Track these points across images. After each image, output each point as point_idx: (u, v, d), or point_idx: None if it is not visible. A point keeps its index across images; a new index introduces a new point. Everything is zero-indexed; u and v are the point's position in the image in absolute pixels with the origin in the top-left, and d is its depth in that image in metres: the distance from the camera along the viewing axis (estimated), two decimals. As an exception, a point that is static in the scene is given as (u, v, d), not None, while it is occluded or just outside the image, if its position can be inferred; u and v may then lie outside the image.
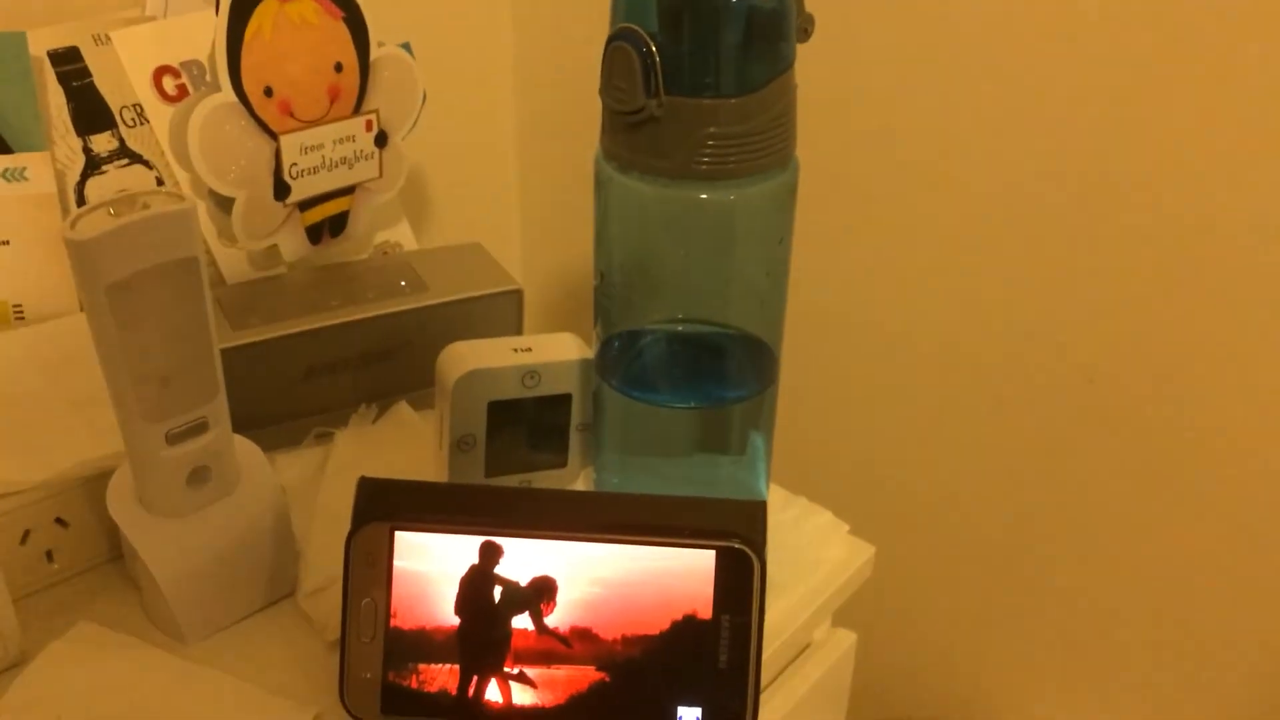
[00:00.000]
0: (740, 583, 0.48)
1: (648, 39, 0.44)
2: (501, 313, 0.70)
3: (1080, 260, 0.71)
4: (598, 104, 0.48)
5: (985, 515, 0.81)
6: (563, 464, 0.63)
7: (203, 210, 0.67)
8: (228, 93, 0.62)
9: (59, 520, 0.56)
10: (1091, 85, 0.66)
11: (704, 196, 0.47)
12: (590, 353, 0.58)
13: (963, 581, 0.85)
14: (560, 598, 0.48)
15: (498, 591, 0.48)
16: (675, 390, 0.54)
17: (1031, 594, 0.81)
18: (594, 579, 0.48)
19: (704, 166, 0.46)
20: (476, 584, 0.48)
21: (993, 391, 0.78)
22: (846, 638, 0.64)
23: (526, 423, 0.61)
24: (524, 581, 0.48)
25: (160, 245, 0.47)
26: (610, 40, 0.45)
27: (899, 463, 0.84)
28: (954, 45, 0.70)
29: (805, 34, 0.47)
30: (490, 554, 0.48)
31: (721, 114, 0.45)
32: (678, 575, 0.48)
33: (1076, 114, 0.67)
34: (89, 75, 0.66)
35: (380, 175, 0.71)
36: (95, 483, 0.56)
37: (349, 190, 0.70)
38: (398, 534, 0.48)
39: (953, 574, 0.85)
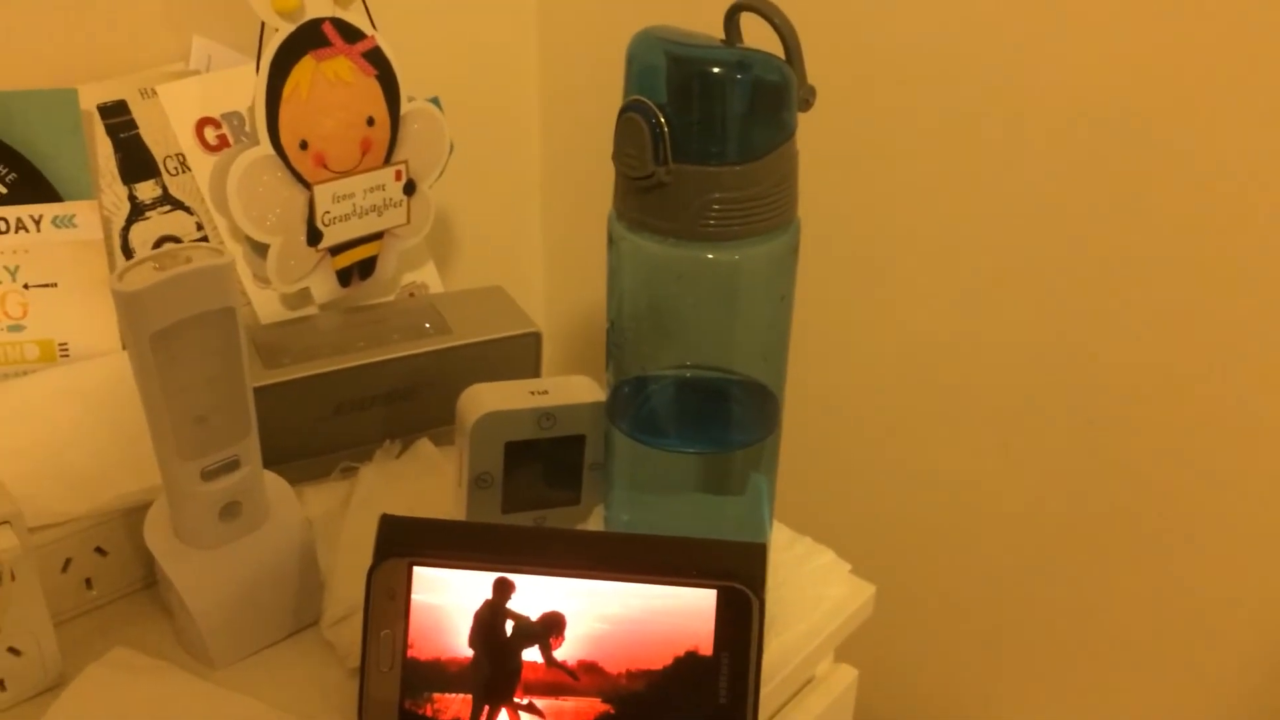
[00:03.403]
0: (740, 621, 0.50)
1: (657, 110, 0.47)
2: (521, 354, 0.73)
3: (1081, 302, 0.73)
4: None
5: (987, 555, 0.83)
6: (577, 501, 0.66)
7: (239, 254, 0.71)
8: (266, 146, 0.66)
9: (98, 549, 0.59)
10: (1091, 141, 0.69)
11: (710, 256, 0.50)
12: (604, 395, 0.61)
13: (965, 621, 0.86)
14: (569, 633, 0.51)
15: (509, 626, 0.51)
16: (682, 435, 0.57)
17: (1032, 633, 0.83)
18: (601, 615, 0.51)
19: (709, 228, 0.49)
20: (489, 618, 0.51)
21: (993, 434, 0.80)
22: (848, 674, 0.66)
23: (542, 462, 0.64)
24: (534, 617, 0.51)
25: (200, 296, 0.50)
26: (623, 111, 0.48)
27: (902, 504, 0.87)
28: (950, 107, 0.73)
29: (807, 104, 0.50)
30: (503, 590, 0.51)
31: (726, 180, 0.48)
32: (680, 613, 0.51)
33: (1071, 167, 0.70)
34: (135, 127, 0.69)
35: (408, 221, 0.74)
36: (133, 514, 0.59)
37: (378, 236, 0.74)
38: (416, 569, 0.51)
39: (955, 613, 0.87)
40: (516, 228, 1.01)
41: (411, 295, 0.81)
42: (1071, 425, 0.76)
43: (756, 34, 0.50)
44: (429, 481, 0.69)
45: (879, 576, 0.66)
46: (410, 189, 0.73)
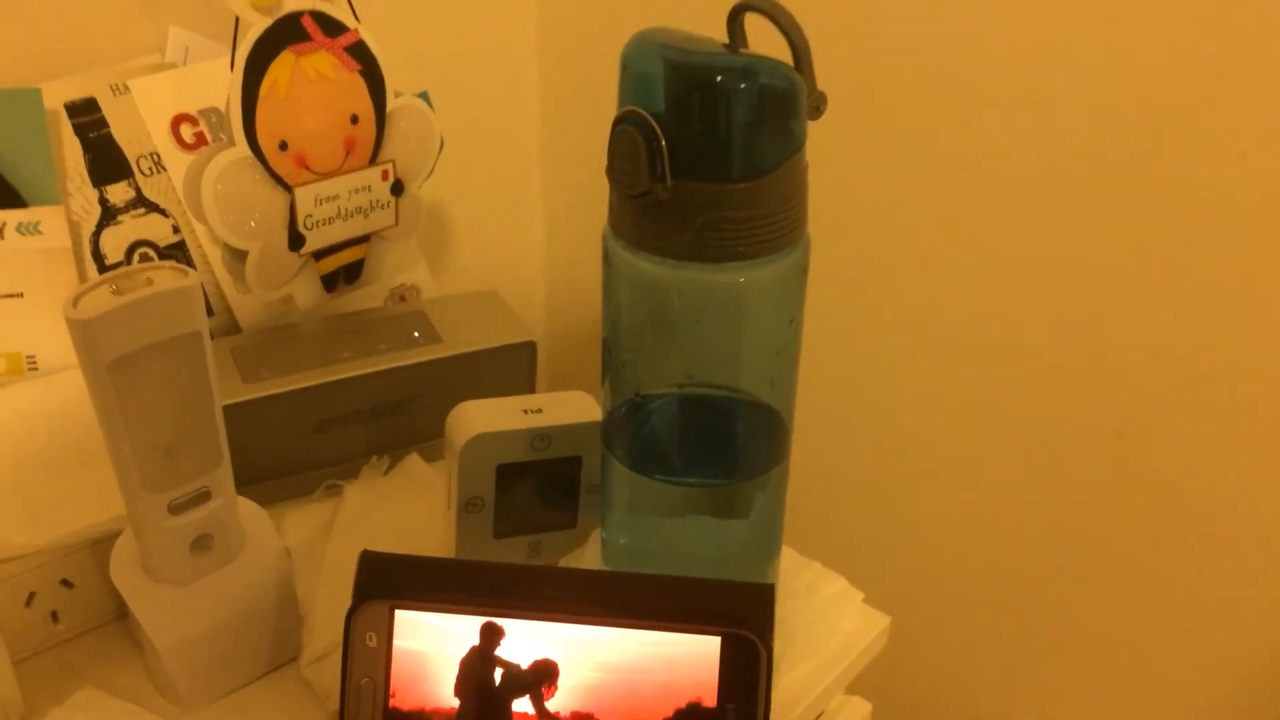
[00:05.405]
0: (747, 670, 0.47)
1: (653, 123, 0.43)
2: (515, 364, 0.70)
3: (1102, 316, 0.69)
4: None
5: (1005, 579, 0.80)
6: (573, 524, 0.62)
7: (217, 258, 0.67)
8: (242, 148, 0.62)
9: (64, 582, 0.56)
10: (1123, 144, 0.64)
11: (713, 278, 0.46)
12: (601, 414, 0.57)
13: (983, 649, 0.83)
14: (562, 682, 0.47)
15: (498, 674, 0.48)
16: (683, 465, 0.53)
17: (1054, 661, 0.79)
18: (597, 663, 0.47)
19: (712, 249, 0.45)
20: (477, 666, 0.48)
21: (1012, 453, 0.76)
22: (861, 707, 0.63)
23: (536, 484, 0.60)
24: (525, 664, 0.47)
25: (163, 322, 0.46)
26: (616, 123, 0.44)
27: (916, 526, 0.83)
28: (970, 111, 0.69)
29: (817, 112, 0.46)
30: (491, 635, 0.48)
31: (731, 198, 0.44)
32: (682, 662, 0.47)
33: (1097, 177, 0.66)
34: (106, 126, 0.66)
35: (396, 223, 0.71)
36: (102, 544, 0.56)
37: (365, 239, 0.70)
38: (398, 613, 0.48)
39: (973, 640, 0.83)
40: (516, 226, 0.96)
41: (403, 298, 0.78)
42: (1096, 441, 0.72)
43: (763, 35, 0.46)
44: (418, 501, 0.66)
45: (892, 602, 0.62)
46: (398, 189, 0.69)
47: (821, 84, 0.45)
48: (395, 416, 0.68)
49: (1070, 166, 0.66)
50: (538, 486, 0.60)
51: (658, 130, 0.43)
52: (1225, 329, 0.65)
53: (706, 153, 0.43)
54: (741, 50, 0.46)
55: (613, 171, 0.45)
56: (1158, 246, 0.65)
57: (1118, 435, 0.72)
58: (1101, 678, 0.78)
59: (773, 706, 0.48)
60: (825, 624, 0.59)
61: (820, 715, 0.61)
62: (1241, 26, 0.58)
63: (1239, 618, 0.70)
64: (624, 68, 0.45)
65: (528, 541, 0.62)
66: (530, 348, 0.69)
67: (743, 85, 0.43)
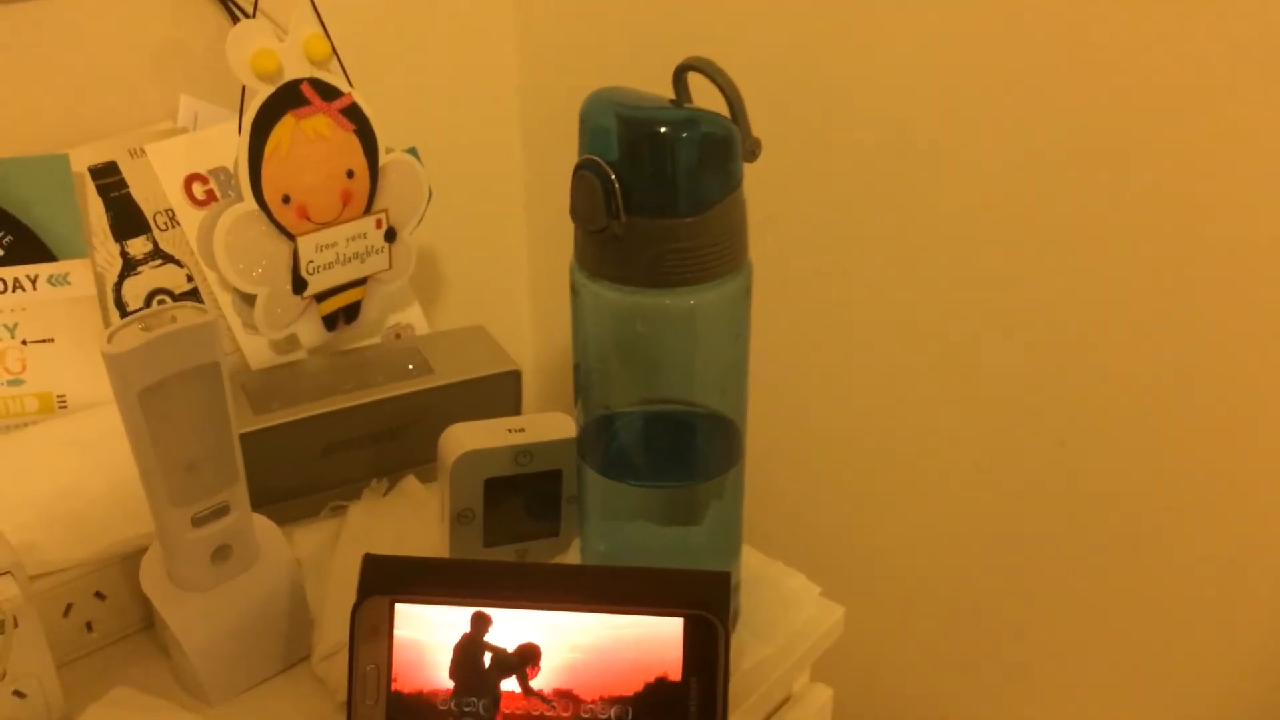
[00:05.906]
0: (707, 648, 0.53)
1: (608, 169, 0.50)
2: (501, 391, 0.76)
3: (1049, 320, 0.74)
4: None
5: (959, 573, 0.85)
6: (556, 533, 0.68)
7: (228, 303, 0.74)
8: (249, 203, 0.68)
9: (98, 594, 0.62)
10: (1043, 175, 0.71)
11: (666, 302, 0.52)
12: (577, 432, 0.64)
13: (939, 639, 0.88)
14: (544, 663, 0.53)
15: (487, 657, 0.53)
16: (649, 471, 0.60)
17: (1006, 648, 0.85)
18: (574, 645, 0.53)
19: (664, 276, 0.52)
20: (468, 651, 0.53)
21: (964, 452, 0.82)
22: (823, 692, 0.69)
23: (521, 497, 0.66)
24: (511, 648, 0.53)
25: (186, 354, 0.53)
26: (576, 169, 0.51)
27: (875, 526, 0.89)
28: (916, 131, 0.76)
29: (753, 155, 0.52)
30: (480, 623, 0.53)
31: (678, 231, 0.51)
32: (650, 641, 0.53)
33: (1044, 191, 0.72)
34: (126, 186, 0.72)
35: (390, 267, 0.77)
36: (131, 559, 0.61)
37: (361, 281, 0.77)
38: (398, 606, 0.54)
39: (929, 631, 0.89)
40: (503, 266, 1.03)
41: (398, 336, 0.84)
42: (1042, 444, 0.78)
43: (705, 93, 0.53)
44: (415, 518, 0.72)
45: (854, 597, 0.68)
46: (391, 236, 0.76)
47: (756, 130, 0.52)
48: (393, 442, 0.74)
49: (1018, 178, 0.72)
50: (523, 498, 0.66)
51: (612, 175, 0.50)
52: (1166, 341, 0.70)
53: (655, 193, 0.50)
54: (685, 104, 0.53)
55: (575, 211, 0.52)
56: (1100, 263, 0.71)
57: (1060, 445, 0.78)
58: (1051, 665, 0.83)
59: (736, 688, 0.54)
60: (784, 614, 0.65)
61: (786, 699, 0.67)
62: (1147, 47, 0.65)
63: (1175, 615, 0.76)
64: (582, 121, 0.52)
65: (515, 549, 0.68)
66: (514, 376, 0.76)
67: (685, 134, 0.50)
